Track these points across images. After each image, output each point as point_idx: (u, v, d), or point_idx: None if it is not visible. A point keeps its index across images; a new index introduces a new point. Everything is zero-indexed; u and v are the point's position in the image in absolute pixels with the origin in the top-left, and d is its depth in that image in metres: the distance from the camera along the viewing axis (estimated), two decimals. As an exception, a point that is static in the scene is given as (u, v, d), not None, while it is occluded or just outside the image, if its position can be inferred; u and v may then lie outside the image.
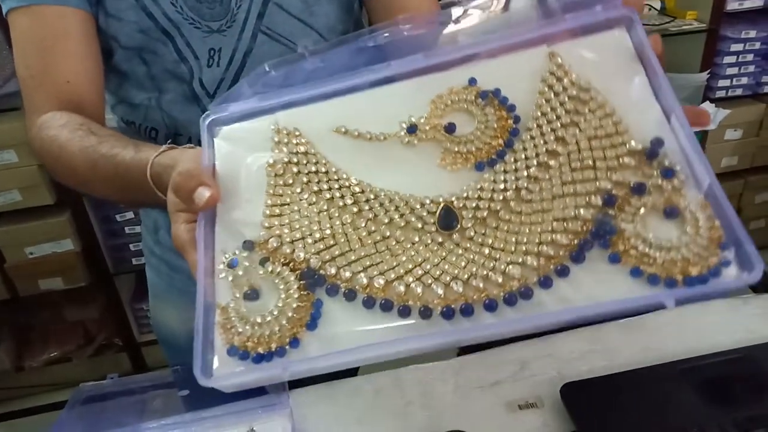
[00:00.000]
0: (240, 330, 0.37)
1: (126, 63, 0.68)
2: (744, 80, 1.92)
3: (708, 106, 1.88)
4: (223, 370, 0.37)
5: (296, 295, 0.38)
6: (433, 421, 0.69)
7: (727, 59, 1.88)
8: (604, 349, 0.81)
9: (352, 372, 1.06)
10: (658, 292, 0.34)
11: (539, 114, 0.40)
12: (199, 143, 0.60)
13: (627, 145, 0.37)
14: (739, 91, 1.94)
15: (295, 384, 0.78)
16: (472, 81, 0.42)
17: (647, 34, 0.38)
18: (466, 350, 0.90)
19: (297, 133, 0.43)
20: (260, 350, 0.37)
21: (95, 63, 0.66)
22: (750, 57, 1.88)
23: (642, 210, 0.36)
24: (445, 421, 0.69)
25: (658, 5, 1.93)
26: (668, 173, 0.36)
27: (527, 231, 0.37)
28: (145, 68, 0.68)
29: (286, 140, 0.43)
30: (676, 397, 0.73)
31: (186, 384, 0.87)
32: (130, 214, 1.67)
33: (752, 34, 1.85)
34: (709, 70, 1.87)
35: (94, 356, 1.88)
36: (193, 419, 0.76)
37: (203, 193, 0.40)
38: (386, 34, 0.45)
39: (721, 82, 1.91)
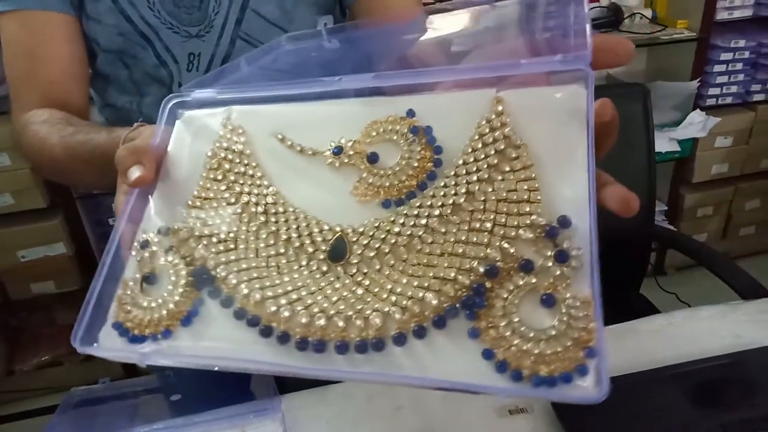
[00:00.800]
0: (129, 309, 0.39)
1: (108, 66, 0.70)
2: (734, 89, 1.94)
3: (698, 114, 1.90)
4: (102, 341, 0.39)
5: (181, 290, 0.39)
6: (423, 426, 0.69)
7: (717, 68, 1.90)
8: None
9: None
10: (500, 385, 0.32)
11: (461, 162, 0.37)
12: None
13: (530, 217, 0.34)
14: (729, 99, 1.96)
15: (287, 389, 0.79)
16: (410, 113, 0.40)
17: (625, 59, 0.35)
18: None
19: (240, 131, 0.43)
20: (136, 332, 0.38)
21: (80, 65, 0.68)
22: (739, 66, 1.90)
23: (519, 291, 0.33)
24: (435, 426, 0.69)
25: (649, 14, 1.95)
26: (563, 257, 0.33)
27: (404, 281, 0.36)
28: (127, 72, 0.70)
29: (229, 135, 0.43)
30: (665, 402, 0.74)
31: (178, 388, 0.87)
32: (123, 218, 1.67)
33: (741, 43, 1.87)
34: (699, 79, 1.89)
35: (85, 360, 1.86)
36: (185, 424, 0.76)
37: (134, 172, 0.41)
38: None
39: (712, 90, 1.93)
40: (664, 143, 1.89)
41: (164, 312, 0.38)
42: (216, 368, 0.36)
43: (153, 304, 0.38)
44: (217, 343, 0.37)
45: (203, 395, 0.84)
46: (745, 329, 0.83)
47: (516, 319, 0.33)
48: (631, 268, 1.33)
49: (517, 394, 0.32)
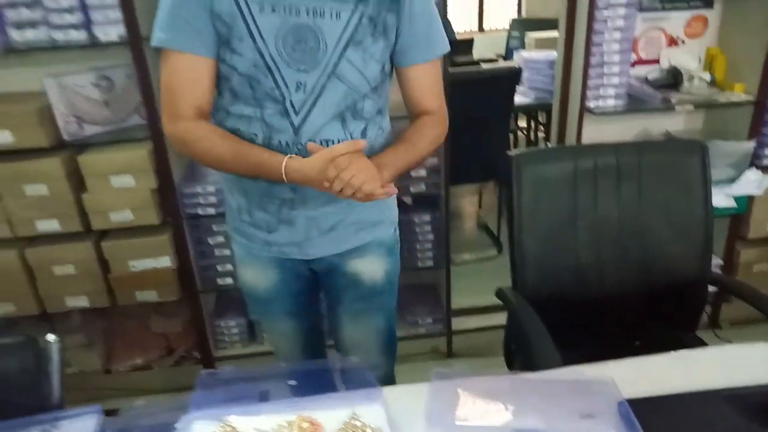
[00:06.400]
0: None
1: (239, 86, 1.03)
2: (790, 150, 2.02)
3: (755, 173, 1.99)
4: None
5: None
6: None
7: (774, 129, 1.98)
8: (652, 375, 0.93)
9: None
10: None
11: None
12: (285, 148, 1.04)
13: None
14: (785, 160, 2.03)
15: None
16: None
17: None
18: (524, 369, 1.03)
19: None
20: None
21: (211, 91, 1.04)
22: (795, 129, 1.98)
23: None
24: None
25: (708, 77, 2.06)
26: None
27: None
28: (251, 91, 1.02)
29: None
30: (717, 421, 0.83)
31: (294, 375, 1.02)
32: (221, 238, 1.87)
33: (798, 108, 1.96)
34: (755, 139, 1.98)
35: (173, 366, 2.05)
36: (307, 402, 0.91)
37: None
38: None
39: (768, 151, 2.02)
40: (720, 199, 1.98)
41: None
42: None
43: None
44: None
45: (318, 381, 1.00)
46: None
47: None
48: (687, 310, 1.42)
49: None
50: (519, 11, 5.31)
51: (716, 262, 2.15)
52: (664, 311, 1.40)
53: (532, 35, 3.23)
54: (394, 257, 1.28)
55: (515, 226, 1.31)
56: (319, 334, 1.43)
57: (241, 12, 0.96)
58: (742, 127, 2.01)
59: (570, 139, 1.99)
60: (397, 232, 1.29)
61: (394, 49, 1.07)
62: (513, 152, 1.32)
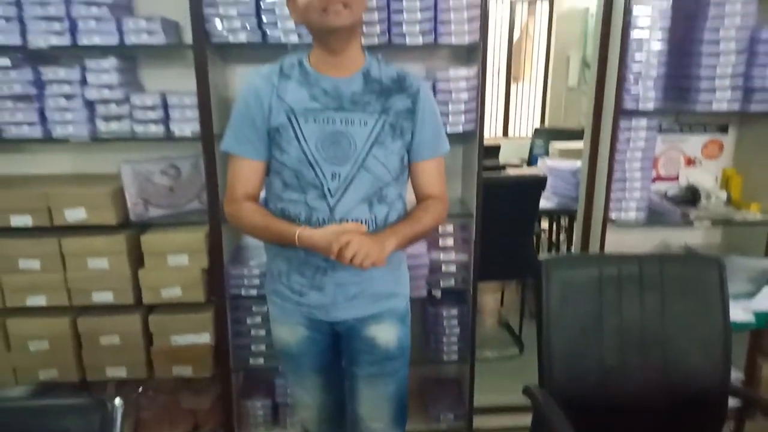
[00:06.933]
0: None
1: (289, 177, 1.27)
2: (807, 269, 2.09)
3: (773, 289, 2.06)
4: None
5: None
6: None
7: (790, 249, 2.07)
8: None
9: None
10: None
11: None
12: (322, 223, 1.26)
13: None
14: (803, 279, 2.10)
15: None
16: None
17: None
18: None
19: None
20: None
21: (260, 185, 1.32)
22: (811, 249, 2.08)
23: None
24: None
25: (724, 196, 2.18)
26: None
27: None
28: (297, 181, 1.26)
29: None
30: None
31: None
32: (258, 319, 1.97)
33: (812, 229, 2.06)
34: (772, 257, 2.07)
35: (197, 444, 2.08)
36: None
37: None
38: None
39: (785, 269, 2.09)
40: (739, 313, 2.02)
41: None
42: None
43: None
44: None
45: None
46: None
47: None
48: (708, 420, 1.45)
49: None
50: (542, 121, 5.63)
51: (738, 376, 2.16)
52: (685, 419, 1.44)
53: (557, 145, 3.44)
54: (406, 326, 1.45)
55: (543, 325, 1.40)
56: (340, 397, 1.53)
57: (291, 123, 1.25)
58: (759, 243, 2.10)
59: (593, 246, 2.10)
60: (409, 305, 1.47)
61: (409, 147, 1.33)
62: (543, 257, 1.44)
